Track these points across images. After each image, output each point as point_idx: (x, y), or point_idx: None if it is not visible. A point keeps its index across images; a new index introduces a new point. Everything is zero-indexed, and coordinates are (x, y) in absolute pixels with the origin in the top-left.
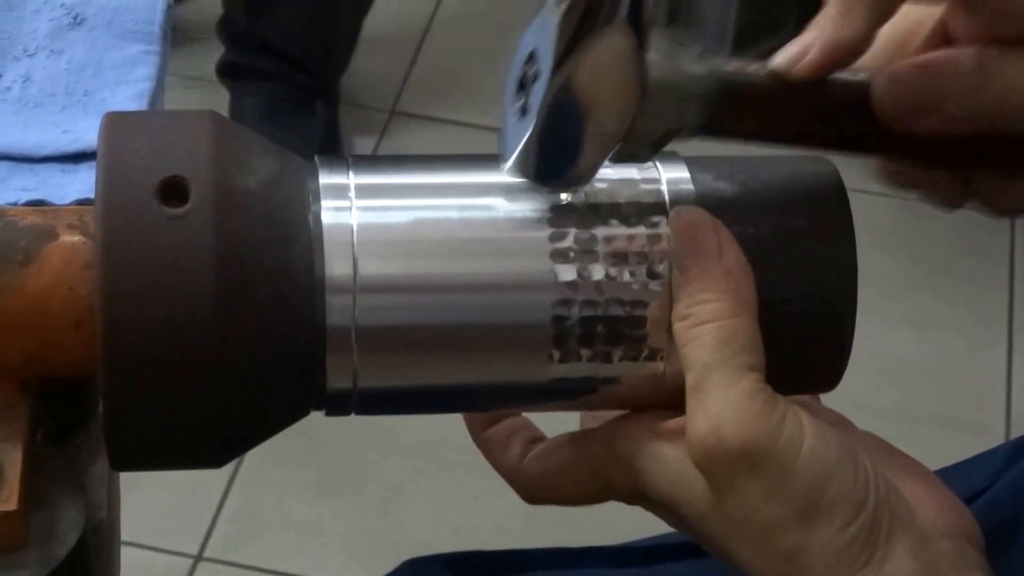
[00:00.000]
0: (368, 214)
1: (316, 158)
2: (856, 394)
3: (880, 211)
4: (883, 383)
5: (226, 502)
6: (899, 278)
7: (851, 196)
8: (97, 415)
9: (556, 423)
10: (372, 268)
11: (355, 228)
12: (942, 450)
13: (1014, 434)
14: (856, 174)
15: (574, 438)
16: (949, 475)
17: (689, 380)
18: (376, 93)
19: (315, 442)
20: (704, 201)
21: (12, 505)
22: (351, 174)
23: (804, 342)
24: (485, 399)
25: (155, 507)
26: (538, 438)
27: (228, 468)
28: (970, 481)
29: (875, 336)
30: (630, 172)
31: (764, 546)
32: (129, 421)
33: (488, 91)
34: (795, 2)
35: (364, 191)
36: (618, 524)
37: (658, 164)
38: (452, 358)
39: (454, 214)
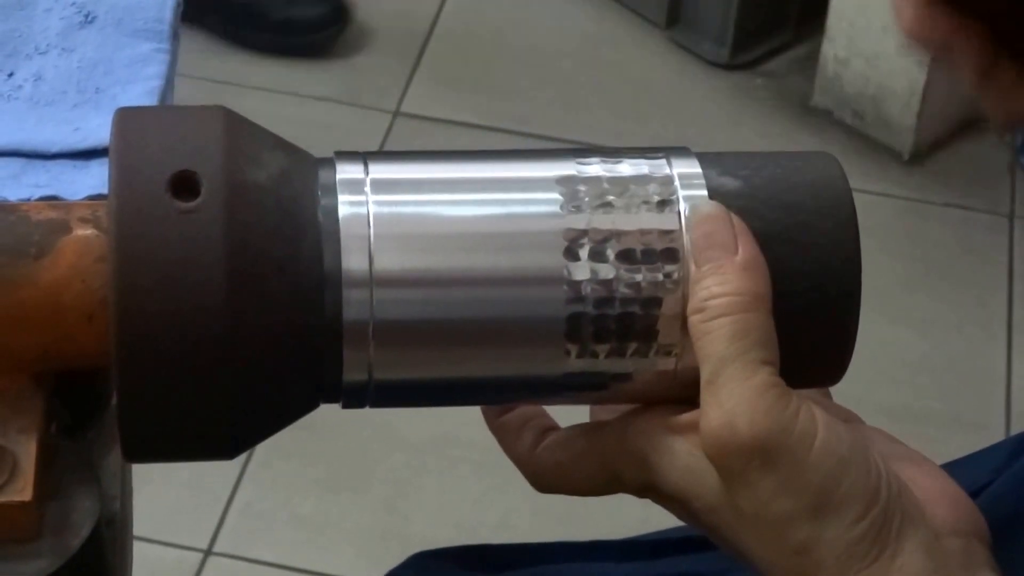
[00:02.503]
0: (384, 208)
1: (333, 153)
2: (856, 393)
3: (880, 211)
4: (883, 382)
5: (235, 498)
6: (899, 278)
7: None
8: (110, 409)
9: (569, 413)
10: (388, 262)
11: (371, 222)
12: (942, 449)
13: (1014, 433)
14: (857, 174)
15: (586, 430)
16: (951, 470)
17: (704, 374)
18: (380, 94)
19: (323, 438)
20: (710, 196)
21: (27, 496)
22: (367, 169)
23: (808, 335)
24: (497, 392)
25: (165, 502)
26: (551, 427)
27: (237, 464)
28: (973, 476)
29: (875, 336)
30: (642, 168)
31: (775, 540)
32: (142, 412)
33: (495, 91)
34: (795, 3)
35: (380, 186)
36: (623, 519)
37: (670, 159)
38: (465, 352)
39: (470, 209)
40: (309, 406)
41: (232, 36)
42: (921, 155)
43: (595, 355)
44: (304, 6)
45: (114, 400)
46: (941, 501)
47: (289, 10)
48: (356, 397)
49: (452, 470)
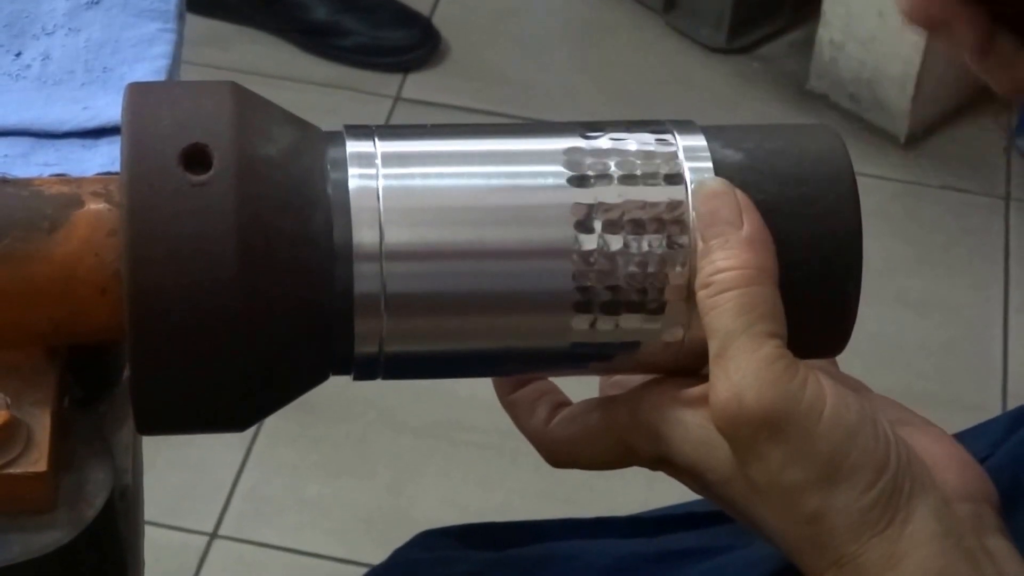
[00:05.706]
0: (394, 182)
1: (343, 127)
2: (853, 375)
3: (876, 194)
4: (880, 364)
5: (240, 481)
6: (895, 260)
7: None
8: (121, 383)
9: (581, 389)
10: (398, 235)
11: (381, 195)
12: None
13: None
14: (854, 157)
15: (599, 404)
16: None
17: (712, 347)
18: (380, 80)
19: (327, 422)
20: (713, 168)
21: (42, 467)
22: (377, 142)
23: (810, 307)
24: (507, 363)
25: (171, 486)
26: (564, 402)
27: (241, 448)
28: (971, 450)
29: (871, 318)
30: (648, 141)
31: (787, 509)
32: (155, 385)
33: (494, 77)
34: None
35: (390, 159)
36: (625, 501)
37: (675, 133)
38: (475, 323)
39: (479, 182)
40: (319, 378)
41: (313, 49)
42: (917, 138)
43: (602, 325)
44: (390, 29)
45: (125, 374)
46: (950, 467)
47: (375, 32)
48: (368, 369)
49: (456, 453)
